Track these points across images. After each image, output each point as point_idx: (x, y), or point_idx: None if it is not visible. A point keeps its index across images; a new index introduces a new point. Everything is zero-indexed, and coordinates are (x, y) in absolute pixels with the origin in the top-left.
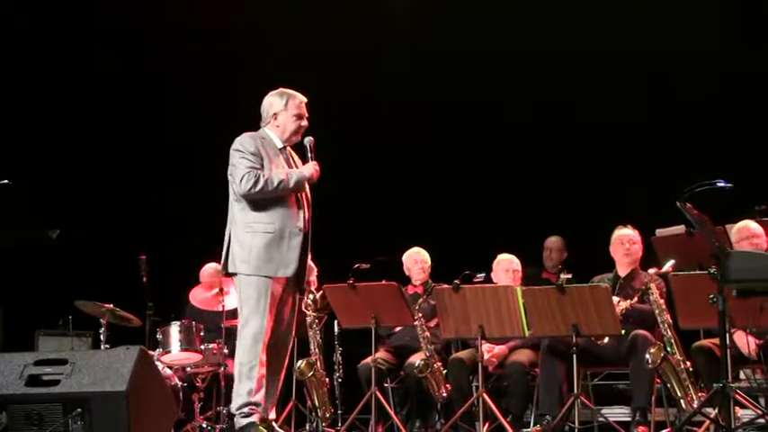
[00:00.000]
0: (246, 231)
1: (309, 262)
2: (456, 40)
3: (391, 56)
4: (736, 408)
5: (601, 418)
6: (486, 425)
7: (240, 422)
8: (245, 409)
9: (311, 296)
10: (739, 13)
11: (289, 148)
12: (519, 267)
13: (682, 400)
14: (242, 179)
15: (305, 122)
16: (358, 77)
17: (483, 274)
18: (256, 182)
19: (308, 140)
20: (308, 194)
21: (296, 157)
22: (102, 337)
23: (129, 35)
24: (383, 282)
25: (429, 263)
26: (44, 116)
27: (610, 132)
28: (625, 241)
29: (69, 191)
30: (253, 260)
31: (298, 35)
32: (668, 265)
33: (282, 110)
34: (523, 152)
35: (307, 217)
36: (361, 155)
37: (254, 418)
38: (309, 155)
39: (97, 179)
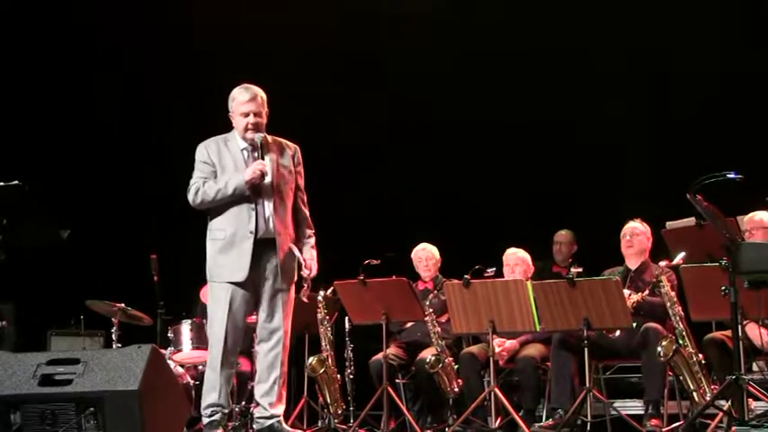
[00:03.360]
0: (208, 239)
1: (302, 256)
2: (464, 41)
3: (404, 56)
4: (750, 400)
5: (613, 412)
6: (499, 419)
7: (204, 422)
8: (209, 411)
9: (321, 293)
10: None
11: (260, 144)
12: (529, 261)
13: (694, 393)
14: (188, 191)
15: (252, 119)
16: (370, 77)
17: (493, 269)
18: (196, 193)
19: (258, 137)
20: (282, 194)
21: (267, 155)
22: (113, 336)
23: (137, 37)
24: (393, 278)
25: (436, 258)
26: (55, 117)
27: (619, 125)
28: (626, 234)
29: (80, 190)
30: (210, 267)
31: (309, 34)
32: (679, 258)
33: (232, 111)
34: (533, 146)
35: (267, 218)
36: (371, 153)
37: (217, 417)
38: (256, 153)
39: (108, 178)
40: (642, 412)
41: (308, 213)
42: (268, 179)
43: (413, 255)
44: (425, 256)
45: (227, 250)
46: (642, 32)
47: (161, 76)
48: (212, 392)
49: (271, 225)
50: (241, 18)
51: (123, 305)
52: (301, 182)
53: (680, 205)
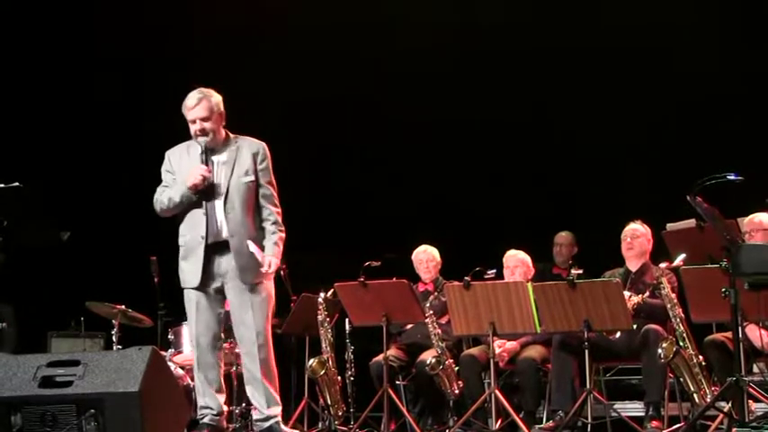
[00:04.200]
0: None
1: (259, 251)
2: (464, 41)
3: (403, 56)
4: (750, 401)
5: (613, 413)
6: (499, 421)
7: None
8: (199, 413)
9: (321, 295)
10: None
11: (204, 148)
12: (529, 263)
13: (695, 395)
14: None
15: (198, 125)
16: (372, 78)
17: (494, 271)
18: (155, 202)
19: (201, 142)
20: (236, 195)
21: (216, 157)
22: (114, 337)
23: (137, 37)
24: (394, 279)
25: (437, 260)
26: (56, 118)
27: (619, 126)
28: (627, 236)
29: (80, 192)
30: (180, 272)
31: (309, 34)
32: (679, 259)
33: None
34: (532, 148)
35: (219, 222)
36: (373, 154)
37: (206, 420)
38: (200, 158)
39: (108, 180)
40: (642, 414)
41: (275, 209)
42: (219, 182)
43: (413, 256)
44: (426, 258)
45: (186, 256)
46: (642, 32)
47: (161, 77)
48: (198, 394)
49: (224, 229)
50: (241, 18)
51: (123, 307)
52: (266, 179)
53: (680, 207)
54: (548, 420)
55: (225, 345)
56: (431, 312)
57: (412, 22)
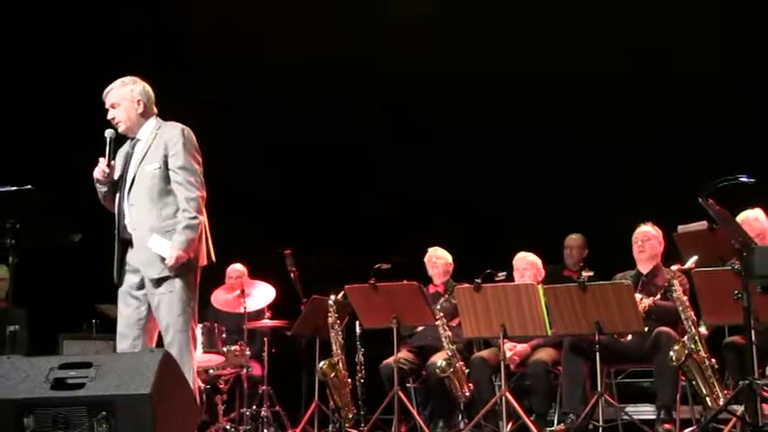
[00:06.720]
0: None
1: (161, 246)
2: (473, 41)
3: (410, 58)
4: (764, 405)
5: (625, 416)
6: (510, 424)
7: None
8: None
9: (331, 297)
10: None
11: (109, 139)
12: (539, 265)
13: (707, 398)
14: None
15: (109, 114)
16: (381, 78)
17: (504, 273)
18: None
19: (107, 133)
20: (142, 186)
21: (138, 146)
22: None
23: (139, 38)
24: (404, 281)
25: (447, 262)
26: (66, 121)
27: (629, 127)
28: (638, 239)
29: (91, 194)
30: None
31: (309, 34)
32: (691, 262)
33: None
34: (543, 150)
35: (125, 217)
36: (383, 156)
37: None
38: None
39: None
40: (654, 417)
41: (187, 195)
42: (129, 174)
43: (426, 258)
44: (437, 263)
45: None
46: (643, 32)
47: (161, 76)
48: None
49: (131, 223)
50: (240, 17)
51: None
52: (178, 163)
53: (692, 209)
54: (559, 423)
55: (235, 347)
56: (441, 315)
57: (413, 22)
